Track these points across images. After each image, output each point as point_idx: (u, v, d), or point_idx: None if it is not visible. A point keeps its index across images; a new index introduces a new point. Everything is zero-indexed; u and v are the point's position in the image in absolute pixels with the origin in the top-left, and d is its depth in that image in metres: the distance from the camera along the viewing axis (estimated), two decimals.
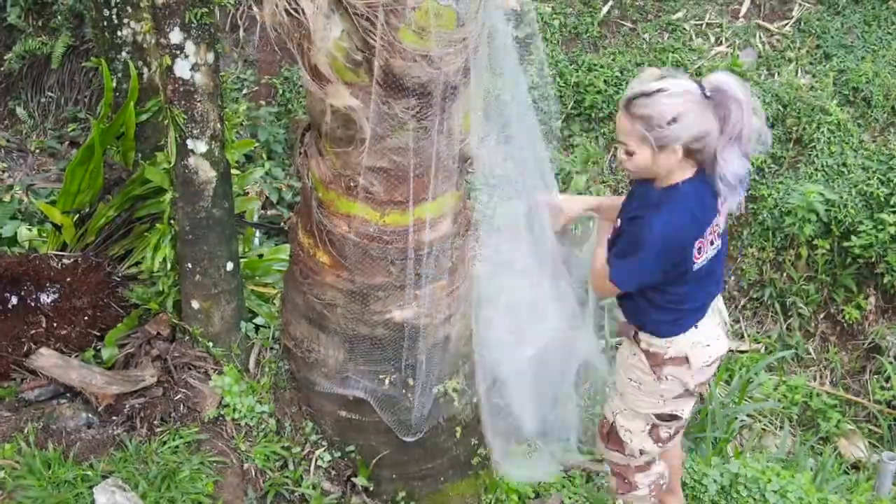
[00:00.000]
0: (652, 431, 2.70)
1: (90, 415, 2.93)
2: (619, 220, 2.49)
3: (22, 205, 4.35)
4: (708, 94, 2.21)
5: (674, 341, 2.51)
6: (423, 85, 2.37)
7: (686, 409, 2.66)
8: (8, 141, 5.40)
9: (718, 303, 2.63)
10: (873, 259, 5.28)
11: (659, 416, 2.65)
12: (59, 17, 5.58)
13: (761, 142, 2.27)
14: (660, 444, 2.73)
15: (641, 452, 2.75)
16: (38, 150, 5.42)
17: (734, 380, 4.66)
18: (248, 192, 4.85)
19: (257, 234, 4.56)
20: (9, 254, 3.38)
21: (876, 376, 5.32)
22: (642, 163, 2.27)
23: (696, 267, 2.38)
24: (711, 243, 2.41)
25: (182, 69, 2.69)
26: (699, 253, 2.36)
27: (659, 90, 2.20)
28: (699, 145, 2.22)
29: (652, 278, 2.38)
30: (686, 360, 2.51)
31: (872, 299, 5.46)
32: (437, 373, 2.96)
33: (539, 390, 3.08)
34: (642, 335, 2.57)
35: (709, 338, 2.54)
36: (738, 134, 2.21)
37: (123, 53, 3.51)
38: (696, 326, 2.51)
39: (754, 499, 3.37)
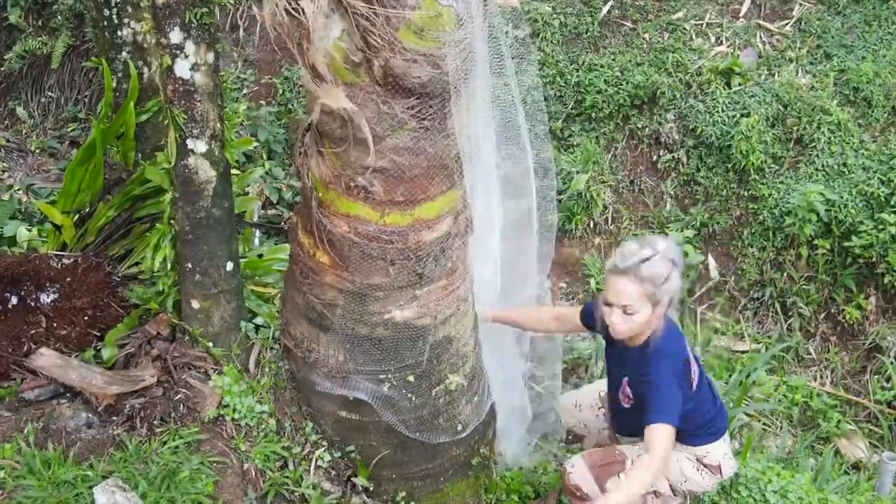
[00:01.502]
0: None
1: (90, 415, 2.93)
2: (628, 389, 2.72)
3: (22, 205, 4.34)
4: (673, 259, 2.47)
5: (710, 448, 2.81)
6: (423, 85, 2.37)
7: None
8: (8, 141, 5.40)
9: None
10: (874, 259, 5.27)
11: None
12: (59, 17, 5.58)
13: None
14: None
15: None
16: (38, 150, 5.42)
17: (732, 379, 4.66)
18: (248, 192, 4.86)
19: (257, 233, 4.56)
20: (9, 254, 3.37)
21: (876, 376, 5.31)
22: (639, 322, 2.47)
23: (694, 385, 2.63)
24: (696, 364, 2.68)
25: (182, 69, 2.69)
26: (693, 375, 2.62)
27: (654, 255, 2.41)
28: (674, 302, 2.49)
29: (681, 400, 2.54)
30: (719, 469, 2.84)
31: (873, 299, 5.45)
32: (437, 373, 2.95)
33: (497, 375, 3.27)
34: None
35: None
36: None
37: (123, 53, 3.50)
38: (723, 439, 2.83)
39: (754, 499, 3.36)
